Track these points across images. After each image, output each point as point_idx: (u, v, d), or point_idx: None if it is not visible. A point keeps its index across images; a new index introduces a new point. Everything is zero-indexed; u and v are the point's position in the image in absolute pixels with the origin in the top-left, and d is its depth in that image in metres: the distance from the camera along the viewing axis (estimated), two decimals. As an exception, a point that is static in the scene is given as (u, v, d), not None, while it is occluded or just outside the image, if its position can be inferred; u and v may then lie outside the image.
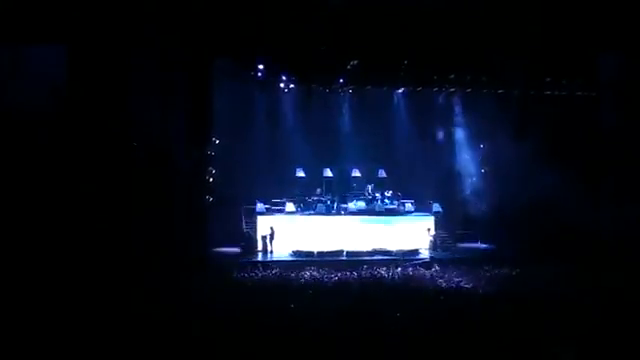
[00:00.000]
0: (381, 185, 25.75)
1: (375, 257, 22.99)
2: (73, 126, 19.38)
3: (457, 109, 26.11)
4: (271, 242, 23.36)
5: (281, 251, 23.30)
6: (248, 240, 23.53)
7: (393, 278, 19.83)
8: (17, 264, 16.54)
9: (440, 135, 26.35)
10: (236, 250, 23.32)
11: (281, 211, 24.41)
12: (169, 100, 20.51)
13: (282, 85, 24.75)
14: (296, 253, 23.09)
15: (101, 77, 19.61)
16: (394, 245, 23.69)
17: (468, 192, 25.63)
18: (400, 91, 25.92)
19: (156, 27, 19.31)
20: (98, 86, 19.57)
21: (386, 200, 25.38)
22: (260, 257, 22.99)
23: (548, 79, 24.18)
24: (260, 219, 23.88)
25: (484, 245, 24.90)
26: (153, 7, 19.24)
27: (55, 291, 14.82)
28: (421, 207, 25.39)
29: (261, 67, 23.17)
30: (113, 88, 19.66)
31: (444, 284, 18.57)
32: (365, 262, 21.89)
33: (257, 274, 19.78)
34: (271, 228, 23.45)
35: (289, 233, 23.72)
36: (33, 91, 18.95)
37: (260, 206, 24.05)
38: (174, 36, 19.85)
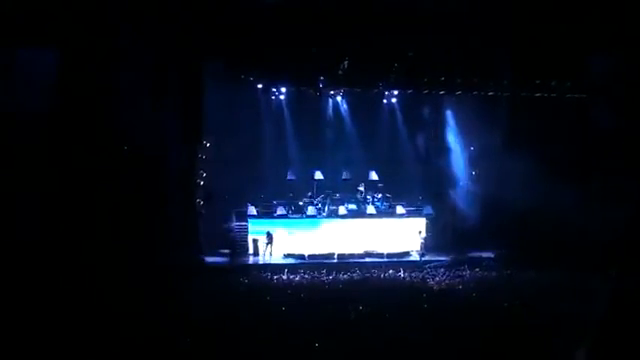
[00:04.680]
0: (372, 187, 25.73)
1: (366, 259, 22.98)
2: (65, 128, 19.29)
3: (447, 111, 26.14)
4: (270, 246, 23.24)
5: (272, 254, 23.22)
6: (239, 243, 23.43)
7: (384, 280, 19.88)
8: (9, 265, 16.43)
9: (430, 137, 26.35)
10: (227, 253, 23.19)
11: (272, 214, 24.35)
12: (160, 102, 20.42)
13: (273, 88, 24.67)
14: (287, 256, 23.04)
15: (93, 79, 19.53)
16: (385, 247, 23.69)
17: (459, 194, 25.65)
18: (393, 96, 25.90)
19: (148, 30, 19.25)
20: (90, 88, 19.49)
21: (377, 202, 25.38)
22: (251, 260, 22.92)
23: (538, 81, 24.24)
24: (251, 222, 23.80)
25: (475, 248, 24.93)
26: (145, 10, 19.18)
27: (46, 291, 14.75)
28: (412, 209, 25.41)
29: (252, 70, 23.09)
30: (105, 90, 19.58)
31: (435, 286, 18.62)
32: (356, 264, 21.93)
33: (248, 277, 19.77)
34: (269, 232, 23.39)
35: (282, 236, 23.71)
36: (26, 93, 18.85)
37: (251, 209, 23.98)
38: (165, 39, 19.80)
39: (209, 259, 22.15)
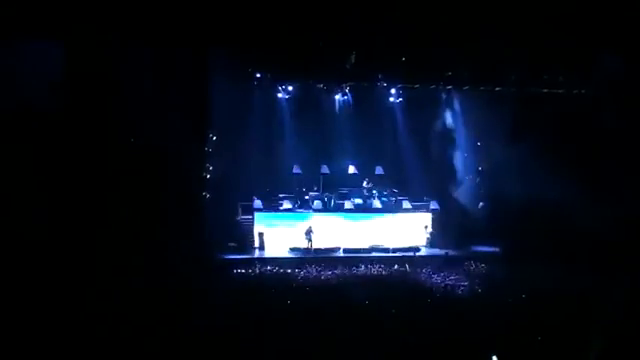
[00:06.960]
0: (378, 182, 25.74)
1: (372, 254, 23.02)
2: (71, 123, 19.35)
3: (454, 106, 26.10)
4: (310, 240, 23.29)
5: (278, 248, 23.30)
6: (245, 237, 23.49)
7: (389, 275, 19.92)
8: (15, 263, 16.49)
9: (437, 133, 26.29)
10: (233, 247, 23.21)
11: (278, 208, 24.40)
12: (166, 97, 20.45)
13: (279, 82, 24.66)
14: (293, 250, 23.11)
15: (99, 74, 19.58)
16: (391, 242, 23.72)
17: (465, 189, 25.64)
18: (399, 90, 25.85)
19: (154, 23, 19.26)
20: (95, 84, 19.54)
21: (383, 197, 25.41)
22: (257, 254, 22.96)
23: (545, 77, 24.18)
24: (257, 215, 23.85)
25: (481, 243, 24.92)
26: (151, 3, 19.20)
27: (52, 289, 14.82)
28: (418, 204, 25.42)
29: (258, 64, 23.10)
30: (110, 85, 19.63)
31: (440, 282, 18.64)
32: (362, 259, 21.96)
33: (254, 271, 19.85)
34: (310, 227, 23.45)
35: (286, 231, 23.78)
36: (31, 88, 18.88)
37: (257, 202, 24.03)
38: (171, 32, 19.81)
39: (214, 253, 22.21)
